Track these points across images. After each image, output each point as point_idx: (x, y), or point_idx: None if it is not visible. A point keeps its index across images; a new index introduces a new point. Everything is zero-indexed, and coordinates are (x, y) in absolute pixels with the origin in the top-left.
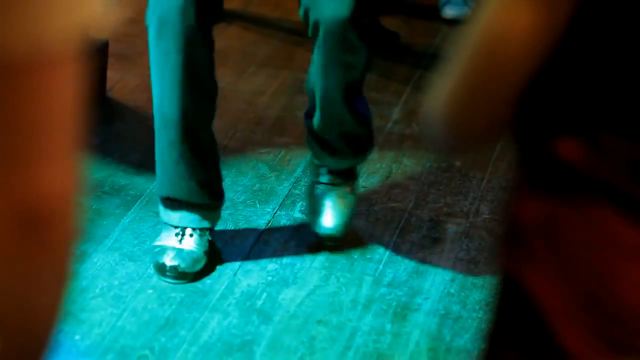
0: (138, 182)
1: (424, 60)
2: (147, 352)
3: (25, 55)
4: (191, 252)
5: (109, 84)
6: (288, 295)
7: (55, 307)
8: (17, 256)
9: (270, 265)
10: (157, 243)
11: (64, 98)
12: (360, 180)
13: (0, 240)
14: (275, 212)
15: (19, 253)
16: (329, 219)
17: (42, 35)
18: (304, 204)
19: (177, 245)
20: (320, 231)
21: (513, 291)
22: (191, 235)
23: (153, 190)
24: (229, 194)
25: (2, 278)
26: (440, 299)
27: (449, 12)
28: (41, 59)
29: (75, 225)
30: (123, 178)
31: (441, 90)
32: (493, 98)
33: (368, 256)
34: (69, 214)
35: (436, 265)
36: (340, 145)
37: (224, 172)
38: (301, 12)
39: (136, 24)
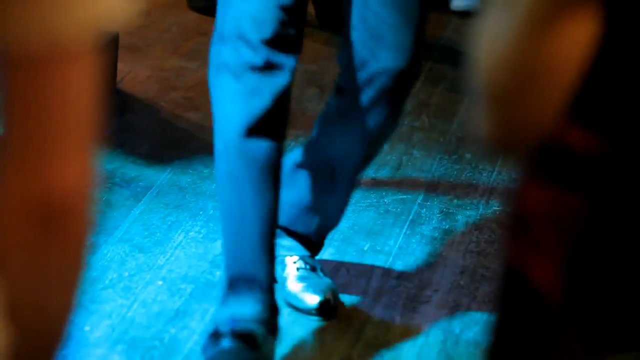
0: (148, 173)
1: (434, 52)
2: (157, 343)
3: (43, 49)
4: None
5: (119, 76)
6: None
7: (70, 300)
8: (33, 250)
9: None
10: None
11: (81, 92)
12: (371, 172)
13: (16, 234)
14: None
15: (35, 247)
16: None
17: (61, 29)
18: None
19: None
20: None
21: (518, 282)
22: None
23: (163, 182)
24: None
25: (17, 271)
26: (450, 291)
27: (458, 4)
28: (59, 52)
29: (89, 219)
30: (133, 170)
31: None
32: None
33: (378, 248)
34: (84, 208)
35: (446, 257)
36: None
37: None
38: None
39: (146, 15)
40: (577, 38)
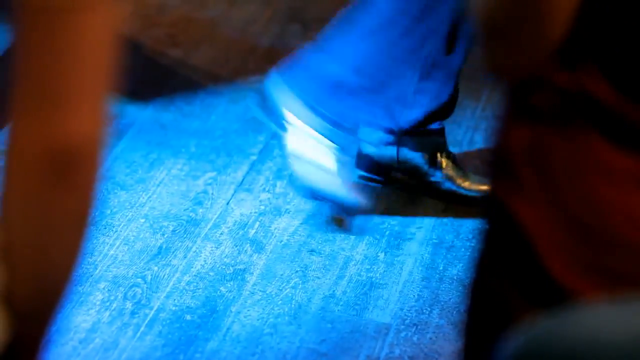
0: (130, 110)
1: None
2: (139, 280)
3: None
4: None
5: None
6: (281, 224)
7: (75, 246)
8: (45, 197)
9: (263, 194)
10: None
11: (98, 40)
12: None
13: (28, 181)
14: (268, 141)
15: (47, 194)
16: None
17: None
18: None
19: None
20: None
21: (501, 219)
22: None
23: (145, 119)
24: (221, 122)
25: (26, 219)
26: (434, 228)
27: None
28: (78, 1)
29: (100, 165)
30: (114, 107)
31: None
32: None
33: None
34: (96, 156)
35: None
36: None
37: (215, 101)
38: None
39: None
40: None
